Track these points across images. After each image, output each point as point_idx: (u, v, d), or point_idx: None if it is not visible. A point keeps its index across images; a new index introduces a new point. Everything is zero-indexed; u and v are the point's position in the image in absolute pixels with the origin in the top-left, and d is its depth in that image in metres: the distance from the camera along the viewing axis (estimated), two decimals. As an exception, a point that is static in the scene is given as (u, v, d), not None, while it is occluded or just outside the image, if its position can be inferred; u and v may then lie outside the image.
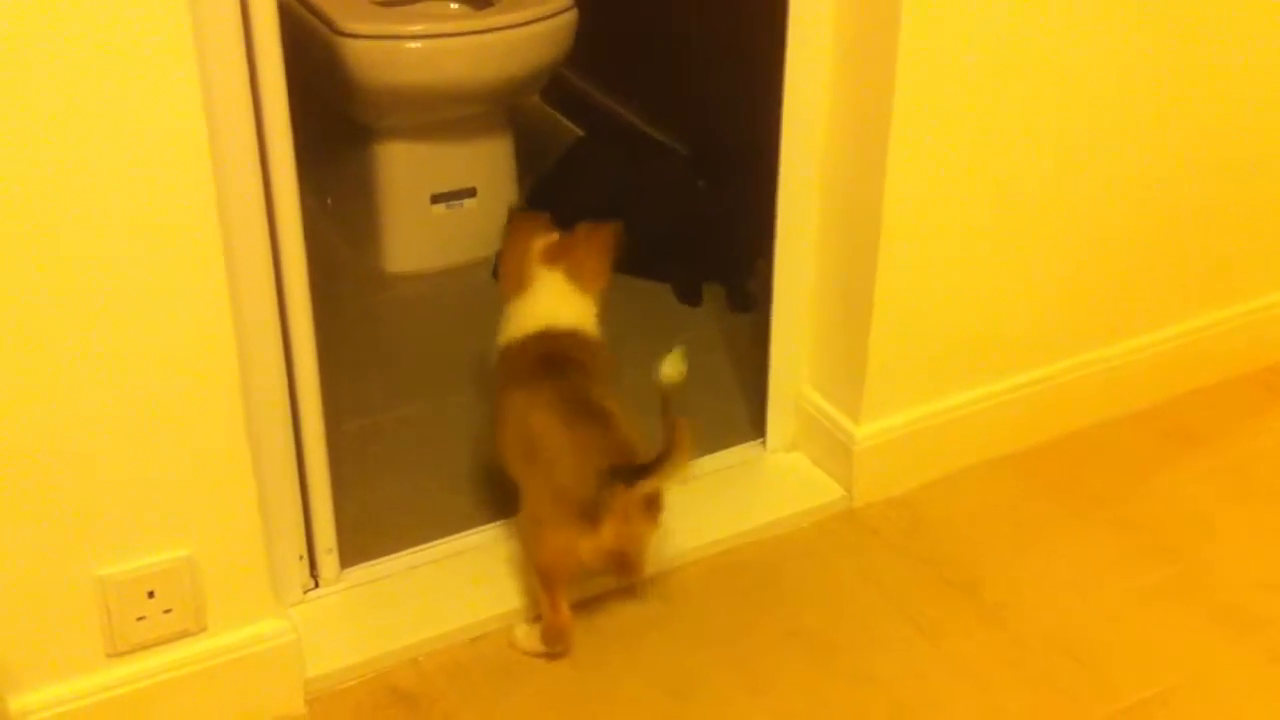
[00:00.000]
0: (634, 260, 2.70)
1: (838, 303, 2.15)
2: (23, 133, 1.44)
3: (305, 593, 1.98)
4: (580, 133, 3.19)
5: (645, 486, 1.81)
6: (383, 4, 2.66)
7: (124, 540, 1.68)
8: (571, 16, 2.64)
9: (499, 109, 2.79)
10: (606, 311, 2.04)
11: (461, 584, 2.02)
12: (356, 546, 2.04)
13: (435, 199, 2.78)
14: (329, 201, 2.96)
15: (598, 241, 2.01)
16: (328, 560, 1.99)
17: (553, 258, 1.99)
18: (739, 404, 2.40)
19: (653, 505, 1.86)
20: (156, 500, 1.67)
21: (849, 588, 2.07)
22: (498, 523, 2.12)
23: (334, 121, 2.79)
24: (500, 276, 2.05)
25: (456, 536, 2.10)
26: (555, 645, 1.91)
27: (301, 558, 1.96)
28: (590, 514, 1.81)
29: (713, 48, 2.83)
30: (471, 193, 2.80)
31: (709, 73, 2.88)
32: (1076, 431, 2.37)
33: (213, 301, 1.61)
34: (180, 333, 1.60)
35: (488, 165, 2.83)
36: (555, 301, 1.98)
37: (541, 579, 1.88)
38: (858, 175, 2.03)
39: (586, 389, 1.89)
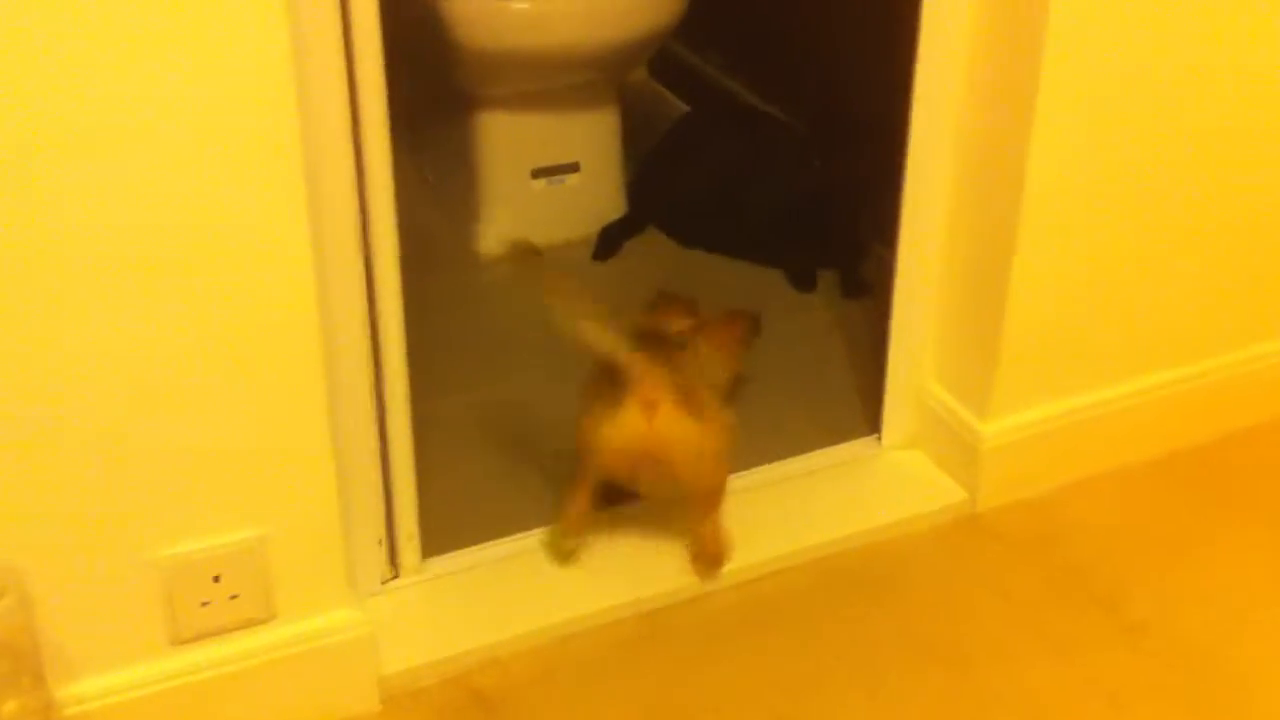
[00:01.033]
0: (743, 242, 2.63)
1: (968, 288, 2.00)
2: (100, 53, 1.32)
3: (383, 583, 1.86)
4: (687, 109, 3.04)
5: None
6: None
7: (189, 518, 1.56)
8: (685, -20, 2.50)
9: (606, 79, 2.66)
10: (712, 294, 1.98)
11: (553, 578, 1.90)
12: (441, 534, 1.92)
13: (536, 173, 2.66)
14: (428, 176, 2.84)
15: (736, 330, 2.03)
16: (409, 548, 1.87)
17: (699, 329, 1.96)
18: (852, 397, 2.25)
19: (692, 399, 1.76)
20: (225, 474, 1.55)
21: (973, 598, 1.92)
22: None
23: (437, 88, 2.67)
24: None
25: (550, 528, 1.96)
26: (557, 536, 1.87)
27: (381, 543, 1.84)
28: (611, 393, 1.74)
29: (834, 17, 2.69)
30: (575, 168, 2.68)
31: (827, 45, 2.74)
32: (1230, 434, 2.19)
33: (295, 259, 1.49)
34: (258, 288, 1.48)
35: (592, 139, 2.70)
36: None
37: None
38: (996, 154, 1.89)
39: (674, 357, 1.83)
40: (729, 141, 2.70)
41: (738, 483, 1.98)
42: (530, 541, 1.95)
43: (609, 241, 2.68)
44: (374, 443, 1.77)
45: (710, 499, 1.88)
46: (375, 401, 1.75)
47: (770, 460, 2.09)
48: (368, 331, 1.70)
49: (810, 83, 2.81)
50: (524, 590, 1.87)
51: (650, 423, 1.75)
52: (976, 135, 1.91)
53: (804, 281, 2.59)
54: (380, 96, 1.61)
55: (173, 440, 1.50)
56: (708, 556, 1.90)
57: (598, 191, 2.71)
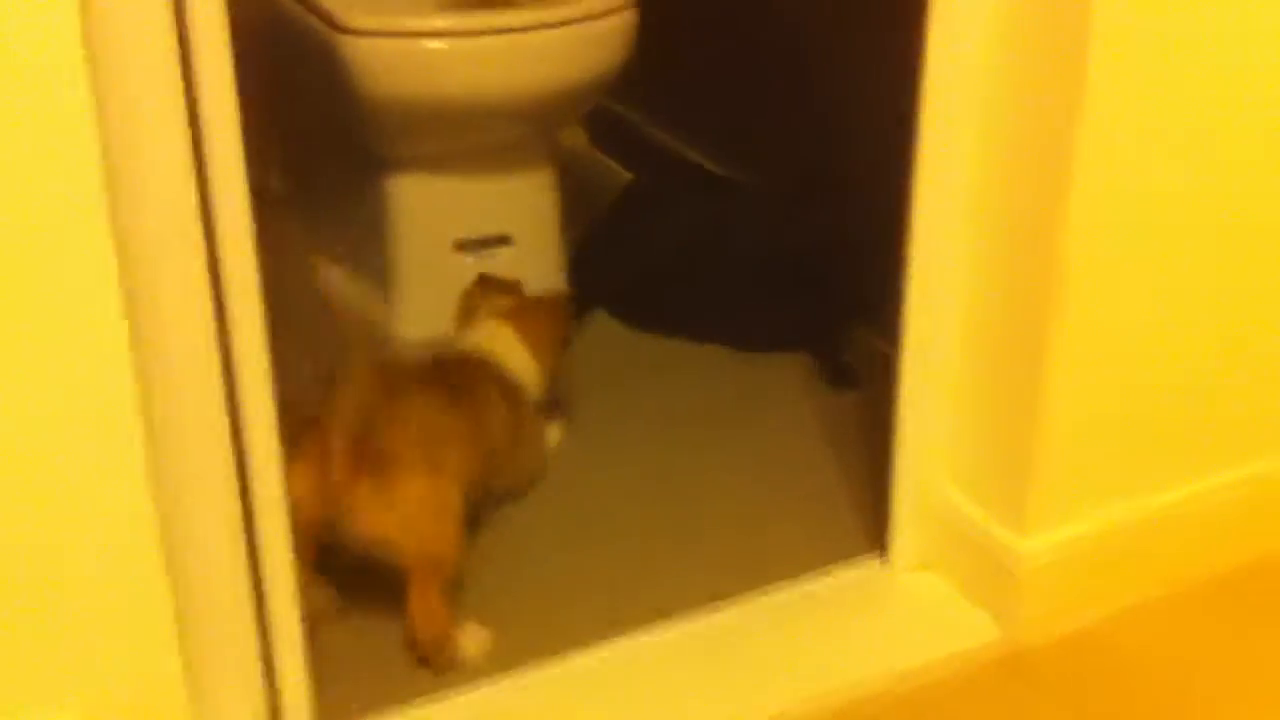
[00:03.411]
0: (707, 323, 2.34)
1: (994, 372, 1.67)
2: None
3: (264, 769, 1.46)
4: (631, 177, 2.75)
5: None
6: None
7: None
8: (631, 17, 2.19)
9: (539, 136, 2.34)
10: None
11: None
12: (346, 697, 1.54)
13: (461, 246, 2.33)
14: (334, 251, 2.49)
15: (556, 310, 2.01)
16: (296, 720, 1.47)
17: (510, 315, 1.95)
18: (850, 508, 1.90)
19: (382, 460, 1.59)
20: (17, 636, 1.19)
21: None
22: (535, 663, 1.62)
23: (343, 153, 2.36)
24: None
25: (483, 684, 1.60)
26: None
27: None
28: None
29: (807, 70, 2.40)
30: (506, 240, 2.35)
31: (800, 97, 2.42)
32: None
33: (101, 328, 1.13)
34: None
35: (525, 208, 2.37)
36: (495, 343, 1.90)
37: None
38: (1025, 225, 1.59)
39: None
40: (685, 210, 2.40)
41: (714, 618, 1.68)
42: (441, 708, 1.57)
43: (552, 328, 2.35)
44: (244, 584, 1.37)
45: (426, 569, 1.62)
46: (243, 530, 1.35)
47: (752, 587, 1.75)
48: (227, 440, 1.30)
49: (779, 140, 2.51)
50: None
51: (324, 479, 1.57)
52: (1000, 200, 1.61)
53: (843, 376, 2.22)
54: (236, 169, 1.26)
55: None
56: (418, 644, 1.61)
57: (533, 268, 2.36)
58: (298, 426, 1.52)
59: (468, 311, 1.97)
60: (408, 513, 1.60)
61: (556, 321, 1.98)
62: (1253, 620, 1.76)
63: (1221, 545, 1.80)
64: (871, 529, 1.82)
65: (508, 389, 1.86)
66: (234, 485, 1.34)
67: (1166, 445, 1.73)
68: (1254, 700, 1.64)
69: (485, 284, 2.01)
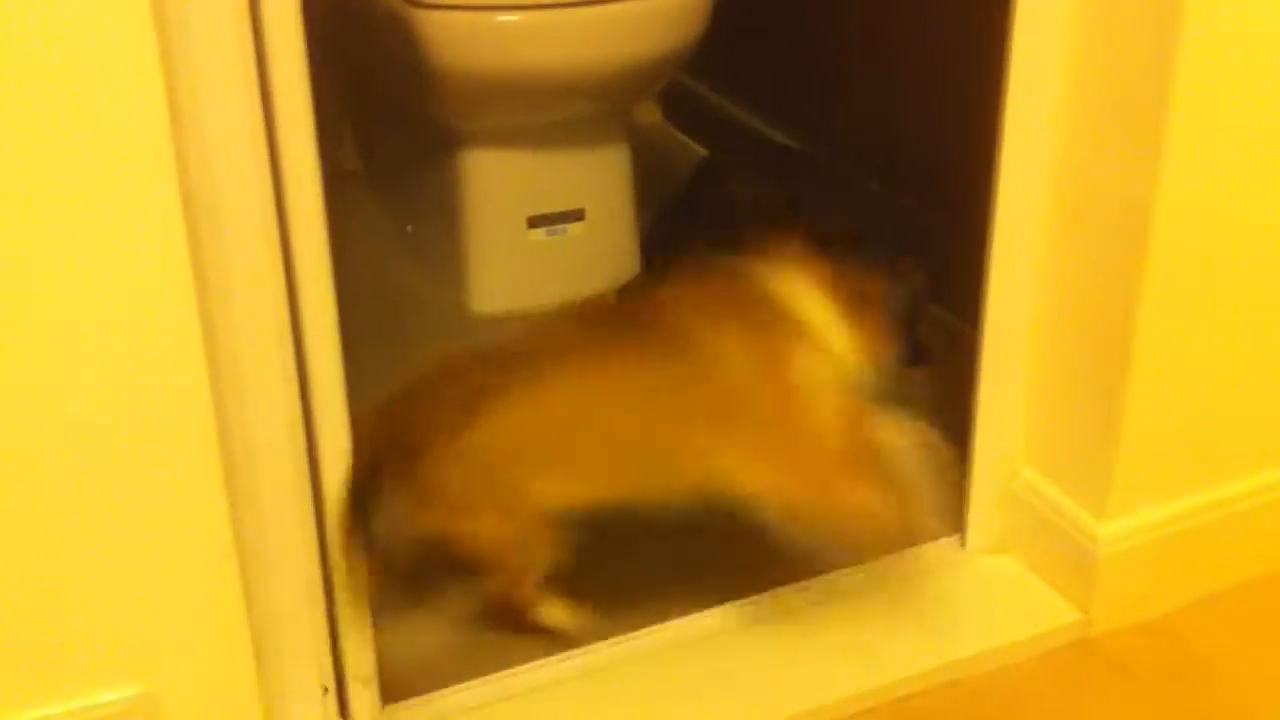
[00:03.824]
0: None
1: (1076, 354, 1.61)
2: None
3: (330, 740, 1.45)
4: (705, 153, 2.71)
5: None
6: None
7: (48, 673, 1.17)
8: (709, -12, 2.14)
9: (613, 111, 2.30)
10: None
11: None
12: (407, 675, 1.52)
13: (534, 222, 2.30)
14: (409, 228, 2.48)
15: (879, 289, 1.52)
16: (363, 695, 1.46)
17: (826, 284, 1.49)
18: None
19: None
20: (93, 612, 1.17)
21: None
22: (610, 640, 1.58)
23: (415, 127, 2.34)
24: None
25: (554, 660, 1.57)
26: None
27: (327, 691, 1.43)
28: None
29: (886, 40, 2.34)
30: (579, 215, 2.32)
31: (878, 71, 2.37)
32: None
33: (171, 306, 1.13)
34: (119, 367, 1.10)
35: (598, 183, 2.34)
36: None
37: None
38: (1111, 197, 1.52)
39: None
40: (759, 186, 2.32)
41: (787, 600, 1.62)
42: (521, 681, 1.54)
43: (630, 304, 2.31)
44: (312, 561, 1.35)
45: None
46: (314, 510, 1.34)
47: (827, 570, 1.69)
48: (299, 416, 1.29)
49: (857, 117, 2.45)
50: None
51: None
52: (1083, 174, 1.54)
53: (917, 353, 2.14)
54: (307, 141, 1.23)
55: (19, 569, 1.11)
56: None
57: (606, 243, 2.34)
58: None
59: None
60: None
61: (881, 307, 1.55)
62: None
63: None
64: (948, 509, 1.75)
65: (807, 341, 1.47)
66: (304, 464, 1.32)
67: (1248, 434, 1.67)
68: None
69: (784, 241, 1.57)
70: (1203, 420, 1.63)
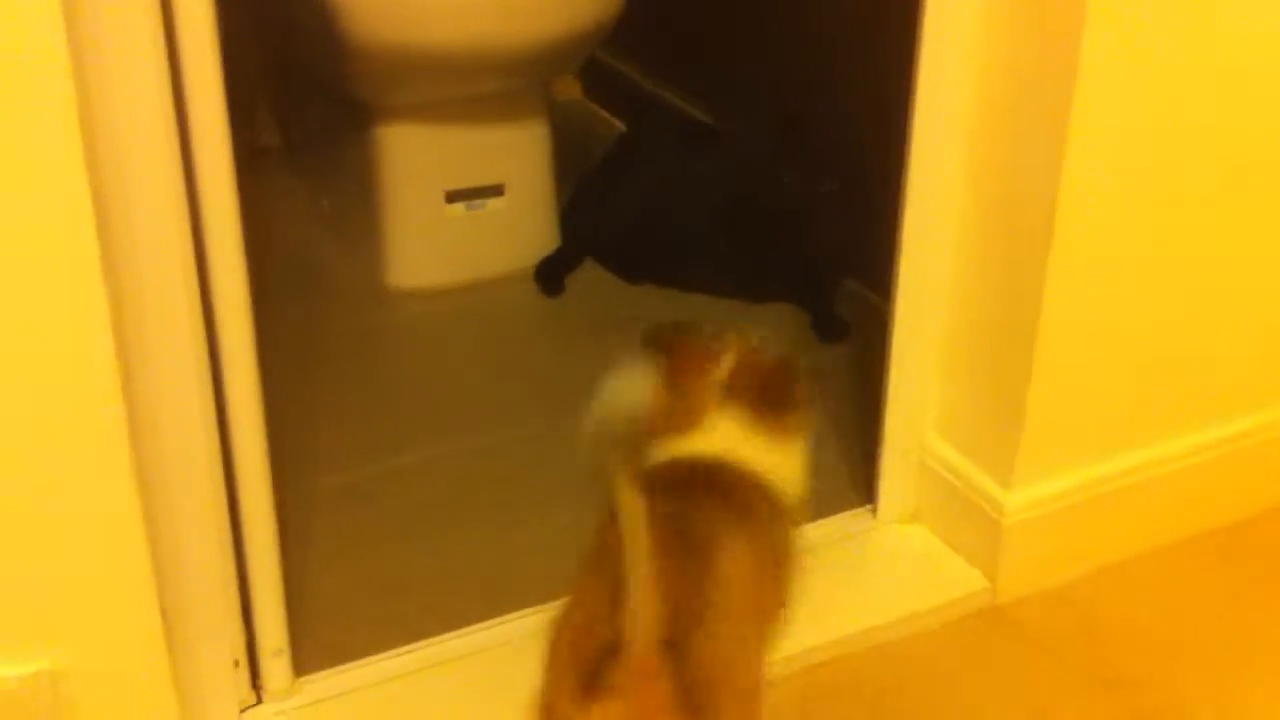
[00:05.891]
0: (696, 273, 2.31)
1: (985, 326, 1.64)
2: None
3: (242, 711, 1.45)
4: (624, 129, 2.70)
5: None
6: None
7: None
8: (624, -32, 2.13)
9: (532, 86, 2.29)
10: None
11: (465, 700, 1.49)
12: (321, 646, 1.52)
13: (452, 197, 2.28)
14: (324, 203, 2.45)
15: (788, 371, 1.33)
16: (275, 666, 1.46)
17: (736, 392, 1.31)
18: (837, 458, 1.86)
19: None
20: None
21: (998, 715, 1.53)
22: (520, 612, 1.59)
23: (332, 103, 2.31)
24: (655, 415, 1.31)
25: (461, 632, 1.58)
26: None
27: (238, 664, 1.43)
28: (586, 683, 1.08)
29: (805, 17, 2.33)
30: (498, 190, 2.31)
31: (795, 45, 2.37)
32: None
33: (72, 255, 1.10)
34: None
35: (517, 157, 2.32)
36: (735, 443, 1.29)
37: None
38: (1022, 161, 1.54)
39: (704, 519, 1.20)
40: (676, 160, 2.34)
41: None
42: (434, 652, 1.54)
43: (552, 277, 2.32)
44: (223, 532, 1.35)
45: None
46: (224, 482, 1.33)
47: None
48: (209, 391, 1.29)
49: (771, 91, 2.46)
50: (428, 716, 1.47)
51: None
52: (995, 155, 1.57)
53: (833, 328, 2.20)
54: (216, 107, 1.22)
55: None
56: None
57: (526, 218, 2.34)
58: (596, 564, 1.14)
59: (674, 398, 1.30)
60: None
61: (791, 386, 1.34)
62: (1233, 578, 1.74)
63: (1205, 503, 1.77)
64: (859, 479, 1.80)
65: (773, 504, 1.30)
66: (215, 437, 1.32)
67: (1153, 403, 1.69)
68: (1231, 656, 1.62)
69: (678, 345, 1.34)
70: (1104, 395, 1.65)
